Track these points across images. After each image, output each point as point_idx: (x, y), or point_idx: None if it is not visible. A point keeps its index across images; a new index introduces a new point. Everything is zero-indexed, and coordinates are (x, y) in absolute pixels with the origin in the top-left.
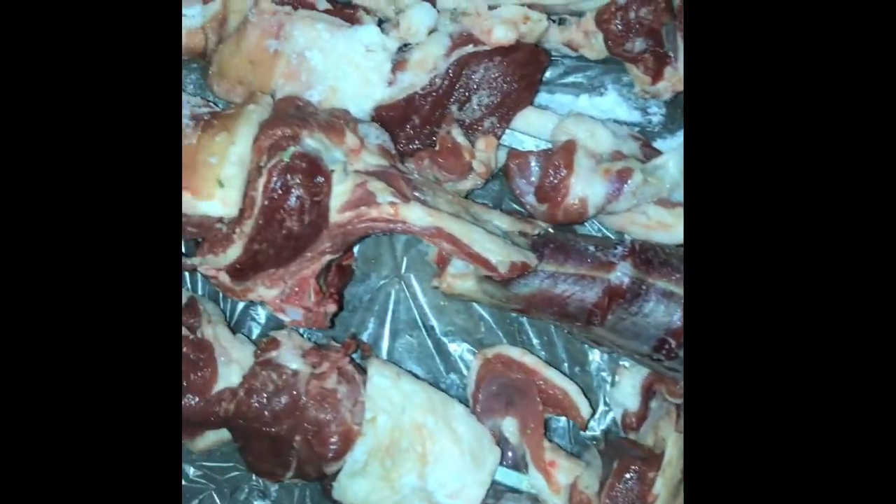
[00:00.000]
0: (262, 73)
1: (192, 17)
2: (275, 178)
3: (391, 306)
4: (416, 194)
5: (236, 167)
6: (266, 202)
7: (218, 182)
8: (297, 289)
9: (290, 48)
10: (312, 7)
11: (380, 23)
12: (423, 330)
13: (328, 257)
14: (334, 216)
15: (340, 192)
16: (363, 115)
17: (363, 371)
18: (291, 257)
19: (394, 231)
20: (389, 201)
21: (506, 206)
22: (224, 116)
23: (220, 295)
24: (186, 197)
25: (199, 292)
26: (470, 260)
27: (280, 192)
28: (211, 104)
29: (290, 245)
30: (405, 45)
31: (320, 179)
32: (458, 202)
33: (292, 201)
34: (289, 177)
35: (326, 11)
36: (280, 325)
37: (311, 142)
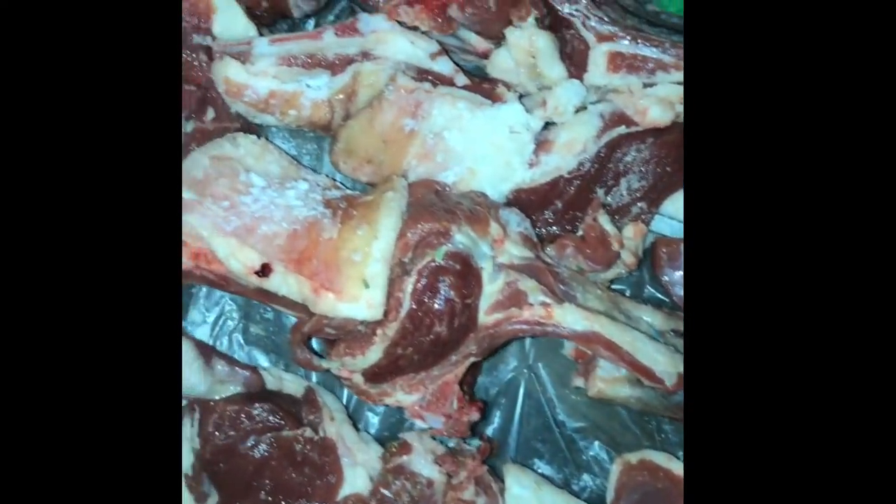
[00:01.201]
0: (395, 153)
1: (319, 89)
2: (425, 281)
3: (520, 399)
4: (566, 290)
5: (380, 264)
6: (414, 305)
7: (363, 282)
8: (438, 394)
9: (428, 127)
10: (451, 83)
11: (520, 97)
12: (554, 425)
13: (471, 360)
14: (483, 318)
15: (491, 292)
16: (500, 198)
17: (497, 476)
18: (435, 362)
19: (546, 335)
20: (542, 302)
21: (647, 294)
22: (363, 205)
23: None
24: (329, 298)
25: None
26: (630, 368)
27: (430, 295)
28: (339, 185)
29: (436, 350)
30: (549, 124)
31: (472, 281)
32: (608, 297)
33: (443, 305)
34: (441, 279)
35: (465, 87)
36: (400, 419)
37: (461, 237)
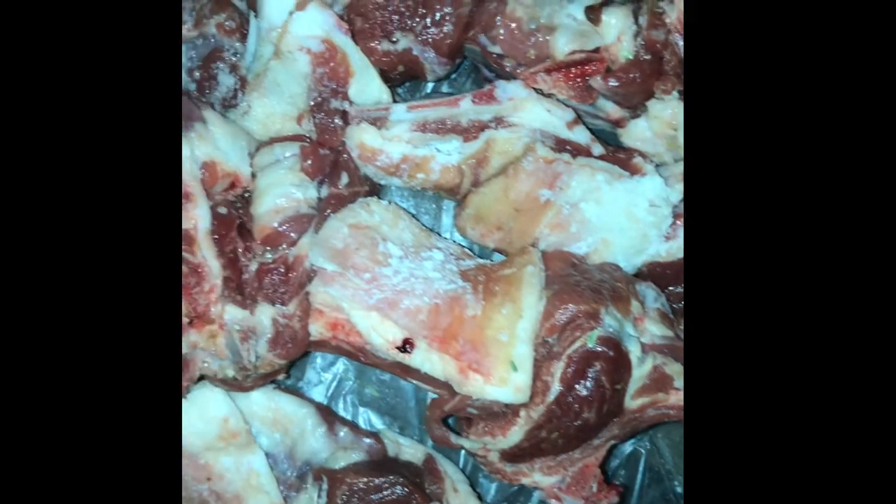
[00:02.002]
0: (527, 222)
1: (449, 154)
2: (576, 366)
3: (640, 472)
4: None
5: (526, 346)
6: (563, 390)
7: (511, 364)
8: (578, 477)
9: (565, 198)
10: (588, 152)
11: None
12: (673, 498)
13: (612, 443)
14: (629, 402)
15: (639, 376)
16: (633, 270)
17: None
18: (577, 445)
19: None
20: None
21: None
22: (503, 280)
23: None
24: (477, 380)
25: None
26: None
27: (581, 381)
28: (469, 252)
29: (581, 435)
30: None
31: (623, 367)
32: None
33: (593, 391)
34: (592, 365)
35: (602, 157)
36: (519, 489)
37: (609, 319)
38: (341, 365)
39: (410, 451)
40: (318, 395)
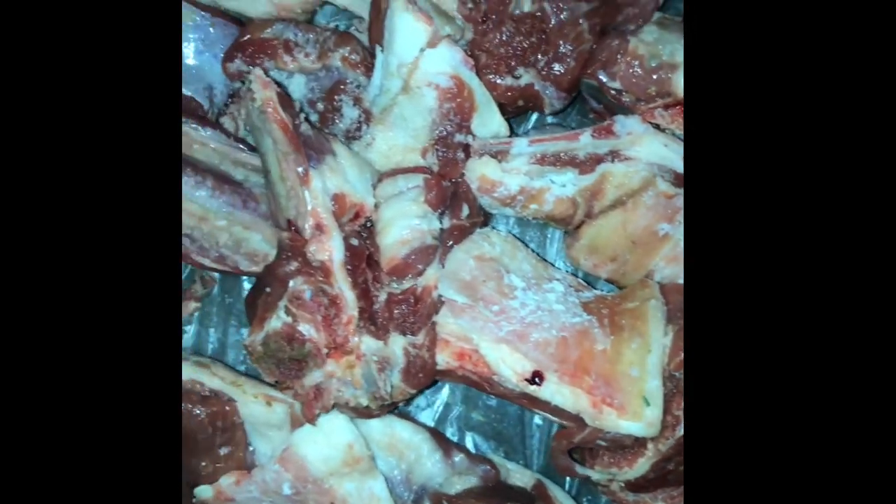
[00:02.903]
0: (643, 254)
1: (564, 186)
2: None
3: None
4: None
5: (657, 381)
6: None
7: (644, 399)
8: None
9: (682, 232)
10: None
11: None
12: None
13: None
14: None
15: None
16: None
17: None
18: None
19: None
20: None
21: None
22: (628, 314)
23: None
24: (611, 414)
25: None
26: None
27: None
28: (584, 283)
29: None
30: None
31: None
32: None
33: None
34: None
35: None
36: None
37: None
38: (447, 390)
39: (518, 475)
40: (426, 418)
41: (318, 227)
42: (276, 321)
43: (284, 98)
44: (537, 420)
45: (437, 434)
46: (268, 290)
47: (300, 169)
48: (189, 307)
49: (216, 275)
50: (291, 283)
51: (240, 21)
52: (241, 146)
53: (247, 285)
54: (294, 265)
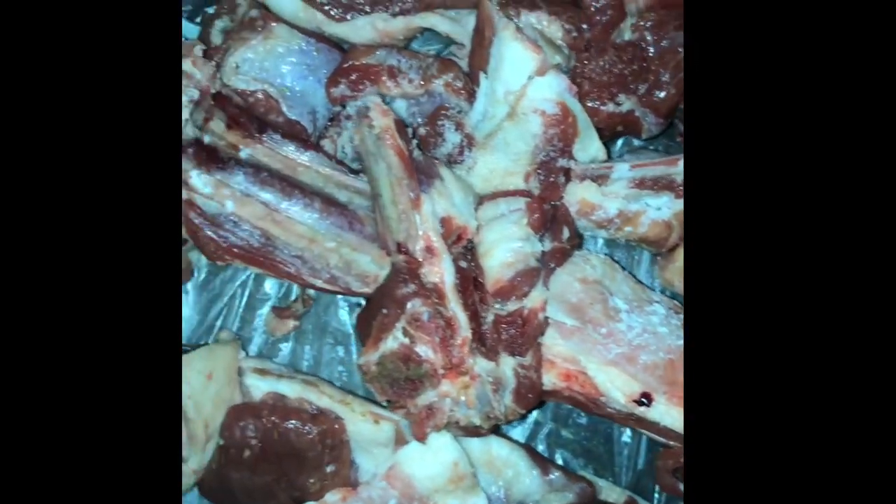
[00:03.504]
0: None
1: (660, 210)
2: None
3: None
4: None
5: None
6: None
7: None
8: None
9: None
10: None
11: None
12: None
13: None
14: None
15: None
16: None
17: None
18: None
19: None
20: None
21: None
22: None
23: None
24: None
25: None
26: None
27: None
28: (677, 304)
29: None
30: None
31: None
32: None
33: None
34: None
35: None
36: None
37: None
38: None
39: (609, 493)
40: (517, 435)
41: (429, 250)
42: (393, 342)
43: (400, 125)
44: (626, 437)
45: (531, 451)
46: (384, 311)
47: (412, 193)
48: (288, 325)
49: (313, 293)
50: (409, 305)
51: (341, 47)
52: (343, 169)
53: (342, 304)
54: (411, 287)
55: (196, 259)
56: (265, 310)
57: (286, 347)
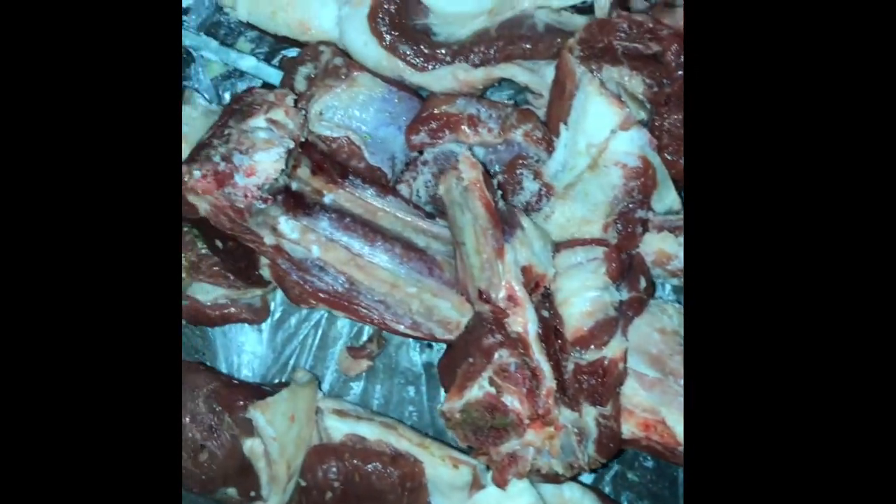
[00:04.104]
0: None
1: None
2: None
3: None
4: None
5: None
6: None
7: None
8: None
9: None
10: None
11: None
12: None
13: None
14: None
15: None
16: None
17: None
18: None
19: None
20: None
21: None
22: None
23: None
24: None
25: None
26: None
27: None
28: None
29: None
30: None
31: None
32: None
33: None
34: None
35: None
36: None
37: None
38: None
39: None
40: (584, 477)
41: (511, 299)
42: (478, 390)
43: (487, 177)
44: None
45: (601, 495)
46: (470, 360)
47: (496, 243)
48: (362, 365)
49: (386, 334)
50: (496, 356)
51: (420, 94)
52: (420, 213)
53: (413, 343)
54: (498, 338)
55: (272, 298)
56: (338, 348)
57: (357, 386)
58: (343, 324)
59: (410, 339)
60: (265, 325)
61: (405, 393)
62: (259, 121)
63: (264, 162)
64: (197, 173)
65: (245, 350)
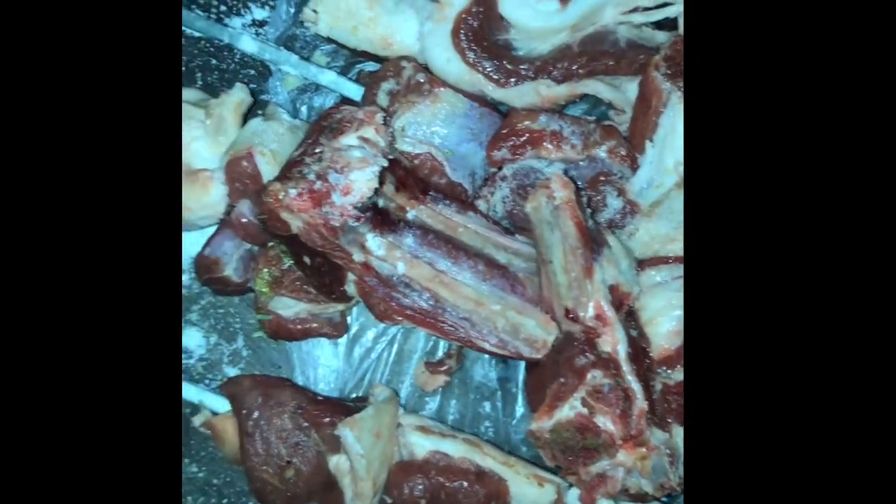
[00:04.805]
0: None
1: None
2: None
3: None
4: None
5: None
6: None
7: None
8: None
9: None
10: None
11: None
12: None
13: None
14: None
15: None
16: None
17: None
18: None
19: None
20: None
21: None
22: None
23: None
24: None
25: None
26: None
27: None
28: None
29: None
30: None
31: None
32: None
33: None
34: None
35: None
36: None
37: None
38: None
39: None
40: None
41: (600, 319)
42: (569, 411)
43: (578, 196)
44: None
45: None
46: (562, 380)
47: (585, 262)
48: (439, 380)
49: (464, 350)
50: (590, 376)
51: (500, 110)
52: (499, 229)
53: (487, 359)
54: (591, 357)
55: (349, 313)
56: (413, 363)
57: (433, 401)
58: (418, 339)
59: (484, 357)
60: (342, 340)
61: (480, 408)
62: (351, 139)
63: (359, 180)
64: (293, 192)
65: (321, 364)
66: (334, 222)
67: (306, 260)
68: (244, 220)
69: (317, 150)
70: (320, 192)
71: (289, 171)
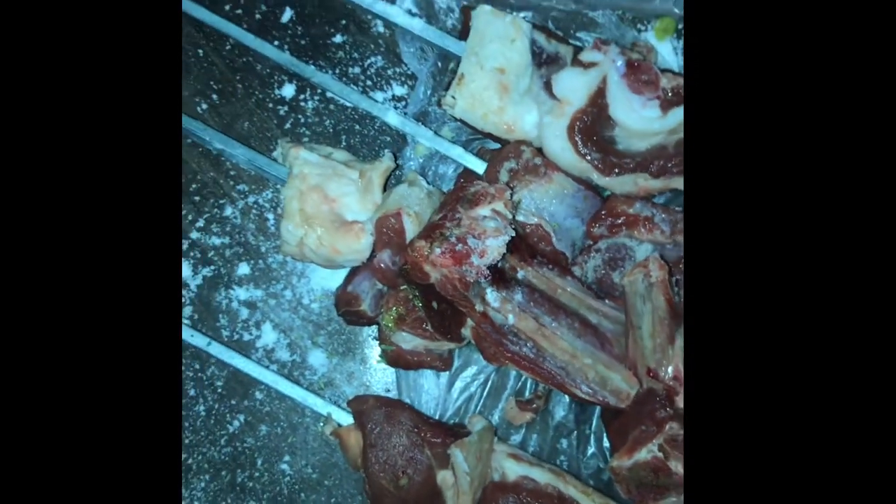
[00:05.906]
0: None
1: None
2: None
3: None
4: None
5: None
6: None
7: None
8: None
9: None
10: None
11: None
12: None
13: None
14: None
15: None
16: None
17: None
18: None
19: None
20: None
21: None
22: None
23: None
24: None
25: None
26: None
27: None
28: None
29: None
30: None
31: None
32: None
33: None
34: None
35: None
36: None
37: None
38: None
39: None
40: None
41: (677, 379)
42: (647, 454)
43: (670, 276)
44: None
45: None
46: (643, 427)
47: (670, 331)
48: (526, 416)
49: (552, 392)
50: (668, 427)
51: (600, 192)
52: (592, 293)
53: (567, 401)
54: (669, 411)
55: (456, 351)
56: (502, 399)
57: (517, 434)
58: (509, 378)
59: (566, 396)
60: (444, 373)
61: (558, 444)
62: (486, 210)
63: (493, 246)
64: (437, 250)
65: (425, 391)
66: (469, 278)
67: (434, 304)
68: (383, 265)
69: (456, 217)
70: (461, 252)
71: (432, 232)
